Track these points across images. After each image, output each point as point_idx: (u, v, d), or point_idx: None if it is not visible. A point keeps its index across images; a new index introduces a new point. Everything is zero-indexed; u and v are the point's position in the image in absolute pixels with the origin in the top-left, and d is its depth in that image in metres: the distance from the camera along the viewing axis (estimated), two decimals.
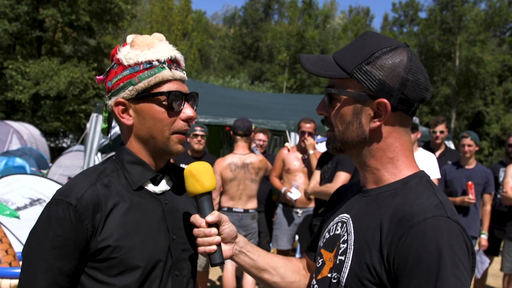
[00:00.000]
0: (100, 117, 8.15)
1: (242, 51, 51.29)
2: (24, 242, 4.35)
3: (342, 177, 4.91)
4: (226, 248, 1.59)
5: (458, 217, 1.29)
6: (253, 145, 5.95)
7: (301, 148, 5.97)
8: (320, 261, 1.49)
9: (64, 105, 24.73)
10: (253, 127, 5.69)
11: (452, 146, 8.37)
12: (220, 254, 1.54)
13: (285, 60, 42.29)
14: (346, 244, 1.38)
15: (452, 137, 9.66)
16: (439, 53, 40.03)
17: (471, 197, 5.52)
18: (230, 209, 5.52)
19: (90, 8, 24.90)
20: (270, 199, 6.64)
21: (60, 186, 6.22)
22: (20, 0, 23.76)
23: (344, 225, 1.43)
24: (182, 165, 5.50)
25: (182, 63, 1.64)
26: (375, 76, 1.33)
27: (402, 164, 1.41)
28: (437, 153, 6.38)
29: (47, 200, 5.60)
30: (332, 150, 1.46)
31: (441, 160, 6.10)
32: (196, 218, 1.55)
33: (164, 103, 1.54)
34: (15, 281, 3.41)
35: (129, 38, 1.60)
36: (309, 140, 5.75)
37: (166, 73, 1.54)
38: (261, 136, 6.75)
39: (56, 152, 23.11)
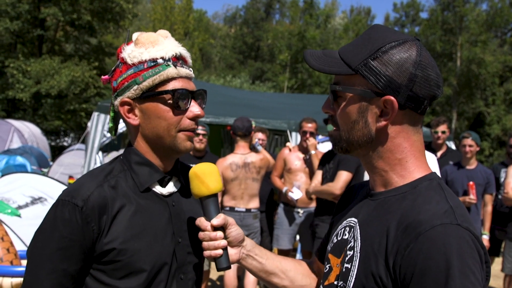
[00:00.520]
0: (102, 116, 8.16)
1: (243, 50, 51.25)
2: (25, 240, 4.37)
3: (343, 176, 4.91)
4: (232, 252, 1.54)
5: (471, 223, 1.20)
6: (255, 140, 5.93)
7: (303, 148, 5.97)
8: (327, 266, 1.43)
9: (65, 104, 24.74)
10: (253, 125, 5.67)
11: (453, 147, 8.36)
12: (226, 258, 1.50)
13: (286, 59, 42.23)
14: (352, 251, 1.31)
15: (453, 138, 9.66)
16: (440, 53, 39.99)
17: (472, 197, 5.51)
18: (232, 209, 5.52)
19: (91, 7, 24.90)
20: (271, 198, 6.64)
21: (61, 185, 6.23)
22: None
23: (352, 230, 1.36)
24: None
25: (189, 60, 1.61)
26: (381, 72, 1.25)
27: (412, 165, 1.32)
28: (439, 154, 6.38)
29: (48, 199, 5.62)
30: (338, 150, 1.39)
31: (442, 161, 6.10)
32: (201, 221, 1.51)
33: (169, 101, 1.51)
34: (17, 280, 3.41)
35: (134, 36, 1.57)
36: (311, 140, 5.76)
37: (171, 70, 1.51)
38: (260, 135, 6.76)
39: (57, 151, 23.12)
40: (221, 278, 7.00)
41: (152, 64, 1.50)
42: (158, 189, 1.59)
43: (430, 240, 1.13)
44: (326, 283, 1.41)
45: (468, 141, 5.81)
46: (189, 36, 41.63)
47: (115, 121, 1.66)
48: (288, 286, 1.62)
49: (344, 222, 1.43)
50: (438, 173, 5.44)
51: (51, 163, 13.30)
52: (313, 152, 5.72)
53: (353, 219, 1.39)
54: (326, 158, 5.27)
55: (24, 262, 3.75)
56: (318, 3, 50.41)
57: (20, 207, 5.33)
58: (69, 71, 23.31)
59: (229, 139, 11.88)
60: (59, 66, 23.62)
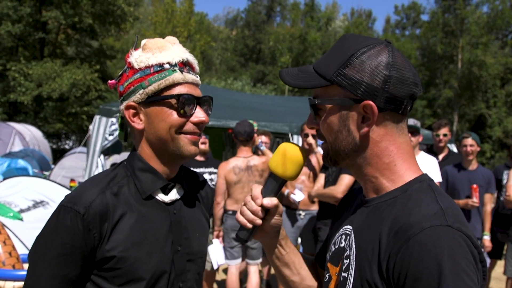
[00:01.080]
0: (103, 119, 8.17)
1: (244, 53, 51.32)
2: (27, 244, 4.36)
3: (346, 180, 4.91)
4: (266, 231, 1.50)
5: (464, 223, 1.18)
6: (258, 141, 5.92)
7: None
8: (327, 275, 1.44)
9: (67, 107, 24.80)
10: (256, 127, 5.66)
11: (455, 150, 8.34)
12: (249, 233, 1.46)
13: (287, 62, 42.27)
14: (348, 259, 1.31)
15: (455, 140, 9.64)
16: (441, 55, 40.01)
17: (475, 200, 5.48)
18: (235, 213, 5.50)
19: (92, 10, 24.98)
20: None
21: (63, 188, 6.23)
22: (23, 2, 23.84)
23: (348, 238, 1.36)
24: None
25: (196, 66, 1.61)
26: (355, 78, 1.25)
27: (401, 168, 1.31)
28: (441, 157, 6.36)
29: (50, 202, 5.62)
30: (327, 163, 1.39)
31: (444, 164, 6.07)
32: (256, 190, 1.44)
33: (174, 106, 1.51)
34: (19, 284, 3.41)
35: (142, 42, 1.58)
36: (310, 140, 5.71)
37: (177, 76, 1.51)
38: (263, 138, 6.76)
39: (59, 154, 23.13)
40: (223, 282, 7.00)
41: (158, 69, 1.50)
42: (160, 196, 1.59)
43: (420, 243, 1.12)
44: None
45: (469, 141, 5.76)
46: (191, 39, 41.68)
47: (124, 127, 1.65)
48: (296, 282, 1.61)
49: (341, 229, 1.43)
50: (440, 176, 5.44)
51: (52, 166, 13.32)
52: (319, 150, 5.68)
53: (349, 226, 1.39)
54: None
55: (26, 266, 3.75)
56: (319, 6, 50.49)
57: (22, 211, 5.33)
58: (70, 74, 23.36)
59: (230, 142, 11.87)
60: (60, 69, 23.68)
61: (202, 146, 5.79)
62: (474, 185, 5.54)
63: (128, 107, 1.54)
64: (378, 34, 57.59)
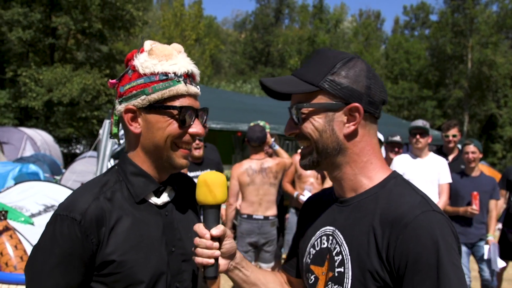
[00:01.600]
0: None
1: (253, 56, 51.33)
2: None
3: None
4: (222, 263, 1.56)
5: (440, 208, 1.39)
6: (272, 140, 5.90)
7: None
8: (312, 277, 1.52)
9: (77, 112, 24.92)
10: (268, 129, 5.65)
11: None
12: (216, 268, 1.50)
13: (296, 65, 42.23)
14: (341, 255, 1.41)
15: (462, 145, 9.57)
16: (451, 55, 39.81)
17: (474, 207, 5.45)
18: (250, 216, 5.48)
19: (102, 15, 25.10)
20: (281, 204, 6.63)
21: None
22: (33, 8, 24.03)
23: (331, 237, 1.47)
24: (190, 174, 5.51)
25: (198, 78, 1.62)
26: (342, 84, 1.41)
27: (376, 166, 1.48)
28: (450, 157, 6.31)
29: None
30: (309, 165, 1.50)
31: (454, 165, 6.04)
32: (200, 228, 1.51)
33: (176, 117, 1.53)
34: None
35: (147, 44, 1.58)
36: None
37: (181, 87, 1.53)
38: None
39: (69, 158, 23.25)
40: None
41: (163, 77, 1.51)
42: (153, 200, 1.60)
43: (417, 227, 1.29)
44: None
45: (471, 148, 5.71)
46: (200, 42, 41.76)
47: (118, 126, 1.66)
48: None
49: (318, 232, 1.54)
50: (450, 177, 5.40)
51: (63, 170, 13.39)
52: None
53: (329, 227, 1.50)
54: None
55: None
56: (327, 8, 50.43)
57: (33, 215, 5.36)
58: (80, 79, 23.48)
59: (240, 145, 11.88)
60: (70, 74, 23.80)
61: (196, 152, 5.62)
62: (475, 192, 5.49)
63: (127, 110, 1.55)
64: (387, 35, 57.41)
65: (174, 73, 1.52)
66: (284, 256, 6.20)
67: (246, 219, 5.49)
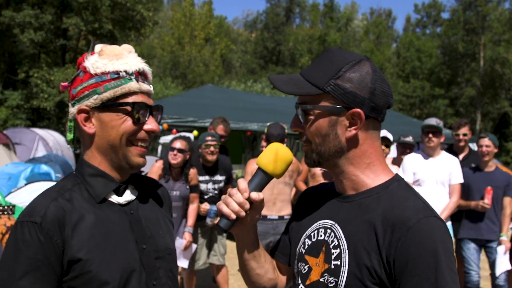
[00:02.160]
0: None
1: (264, 55, 51.36)
2: None
3: None
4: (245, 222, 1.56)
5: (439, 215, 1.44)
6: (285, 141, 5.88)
7: None
8: (306, 267, 1.54)
9: None
10: (286, 130, 5.64)
11: (477, 149, 8.22)
12: (231, 224, 1.50)
13: (307, 63, 42.17)
14: (338, 249, 1.45)
15: (476, 139, 9.50)
16: (463, 54, 39.58)
17: (486, 201, 5.36)
18: (264, 217, 5.40)
19: (112, 16, 25.25)
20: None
21: None
22: (44, 9, 24.21)
23: (329, 230, 1.50)
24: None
25: (150, 77, 1.63)
26: (346, 88, 1.42)
27: (378, 169, 1.50)
28: (461, 156, 6.23)
29: None
30: (310, 164, 1.53)
31: (465, 163, 5.97)
32: (243, 183, 1.50)
33: (128, 113, 1.52)
34: None
35: (98, 47, 1.59)
36: None
37: (133, 84, 1.52)
38: None
39: None
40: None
41: (115, 76, 1.52)
42: (114, 198, 1.58)
43: (419, 231, 1.34)
44: (307, 282, 1.52)
45: (485, 141, 5.60)
46: (210, 42, 41.82)
47: (74, 131, 1.63)
48: (260, 275, 1.70)
49: (315, 224, 1.57)
50: (462, 178, 5.33)
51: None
52: None
53: (328, 221, 1.53)
54: None
55: None
56: (338, 6, 50.33)
57: None
58: None
59: (250, 145, 11.88)
60: None
61: (210, 157, 5.63)
62: (488, 187, 5.41)
63: (80, 111, 1.53)
64: (398, 33, 57.16)
65: (126, 71, 1.53)
66: None
67: (260, 220, 5.42)
